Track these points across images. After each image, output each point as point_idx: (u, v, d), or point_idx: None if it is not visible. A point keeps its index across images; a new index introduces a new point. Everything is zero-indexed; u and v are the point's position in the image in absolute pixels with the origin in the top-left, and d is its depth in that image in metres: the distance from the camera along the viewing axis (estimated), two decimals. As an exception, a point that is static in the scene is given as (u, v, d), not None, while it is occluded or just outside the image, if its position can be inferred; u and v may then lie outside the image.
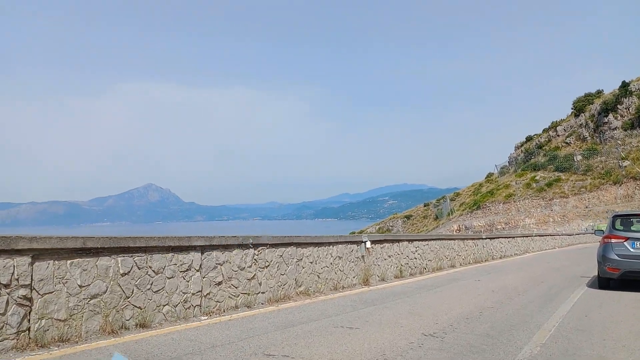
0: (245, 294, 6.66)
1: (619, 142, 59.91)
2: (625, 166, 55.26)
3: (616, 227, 9.94)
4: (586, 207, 55.52)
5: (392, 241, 10.80)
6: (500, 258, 19.06)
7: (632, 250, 9.38)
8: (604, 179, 55.82)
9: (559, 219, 56.22)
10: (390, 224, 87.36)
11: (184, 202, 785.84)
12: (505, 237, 21.01)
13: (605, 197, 55.07)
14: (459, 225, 63.73)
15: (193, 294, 5.90)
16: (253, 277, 6.80)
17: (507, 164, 76.90)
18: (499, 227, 59.16)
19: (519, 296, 8.62)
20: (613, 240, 9.69)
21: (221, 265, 6.30)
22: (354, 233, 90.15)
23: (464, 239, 15.77)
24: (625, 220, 10.14)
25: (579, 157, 61.10)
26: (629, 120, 61.01)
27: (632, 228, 9.95)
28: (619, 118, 62.25)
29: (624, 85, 63.39)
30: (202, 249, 6.02)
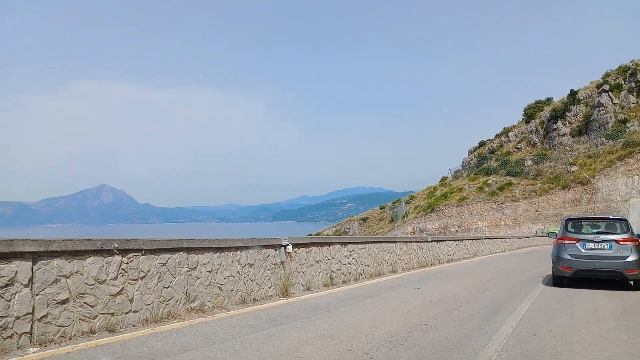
0: (108, 314, 5.12)
1: (567, 148, 61.24)
2: (573, 171, 56.42)
3: (568, 230, 10.82)
4: (536, 211, 56.30)
5: (321, 244, 9.37)
6: (447, 262, 18.01)
7: (583, 250, 10.31)
8: (553, 183, 56.82)
9: (510, 222, 56.81)
10: (347, 227, 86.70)
11: (139, 204, 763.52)
12: (453, 240, 19.81)
13: (554, 201, 56.02)
14: (414, 228, 63.62)
15: (18, 317, 4.31)
16: (120, 292, 5.25)
17: (461, 168, 77.60)
18: (452, 229, 59.34)
19: (460, 308, 7.44)
20: (566, 242, 10.57)
21: (67, 277, 4.73)
22: (310, 235, 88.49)
23: (406, 242, 14.45)
24: (576, 223, 11.11)
25: (530, 162, 62.09)
26: (576, 127, 62.51)
27: (583, 230, 11.02)
28: (567, 125, 63.71)
29: (572, 94, 64.98)
30: (35, 256, 4.44)
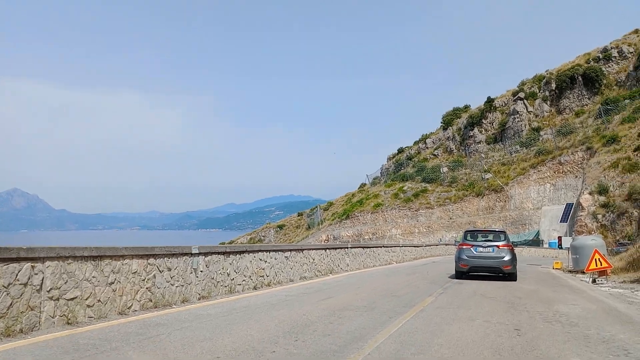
0: None
1: (482, 155, 60.18)
2: (488, 179, 55.12)
3: (467, 238, 15.11)
4: (450, 219, 54.29)
5: None
6: (254, 289, 10.95)
7: (475, 252, 14.48)
8: (467, 190, 55.20)
9: (424, 230, 54.44)
10: (263, 234, 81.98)
11: (54, 210, 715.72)
12: (273, 251, 12.03)
13: (468, 208, 54.27)
14: (328, 235, 60.02)
15: None
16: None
17: (380, 174, 75.24)
18: (366, 237, 56.26)
19: None
20: (464, 247, 14.75)
21: None
22: (223, 243, 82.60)
23: (132, 258, 7.71)
24: (472, 233, 15.54)
25: (445, 169, 60.38)
26: (492, 134, 61.75)
27: (477, 239, 15.12)
28: (484, 132, 62.87)
29: (489, 101, 64.35)
30: None
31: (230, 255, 10.55)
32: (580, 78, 56.84)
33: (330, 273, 15.66)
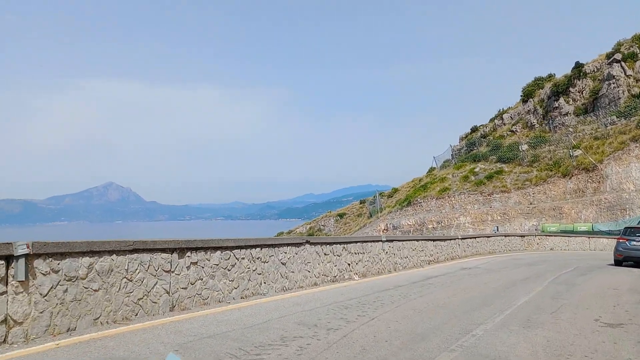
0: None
1: (570, 129, 51.19)
2: (577, 156, 46.41)
3: (624, 234, 18.47)
4: (530, 204, 46.35)
5: None
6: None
7: (629, 245, 17.81)
8: (551, 170, 46.89)
9: (499, 217, 46.97)
10: (322, 224, 77.65)
11: (146, 202, 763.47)
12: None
13: (552, 191, 46.00)
14: (387, 224, 54.23)
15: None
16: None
17: (451, 157, 67.82)
18: (429, 226, 49.86)
19: None
20: (621, 240, 18.24)
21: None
22: (281, 234, 78.46)
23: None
24: (629, 230, 18.65)
25: (525, 147, 52.12)
26: (582, 104, 52.44)
27: (632, 235, 18.24)
28: (571, 102, 53.64)
29: (578, 66, 54.88)
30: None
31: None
32: (695, 30, 46.14)
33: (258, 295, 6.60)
